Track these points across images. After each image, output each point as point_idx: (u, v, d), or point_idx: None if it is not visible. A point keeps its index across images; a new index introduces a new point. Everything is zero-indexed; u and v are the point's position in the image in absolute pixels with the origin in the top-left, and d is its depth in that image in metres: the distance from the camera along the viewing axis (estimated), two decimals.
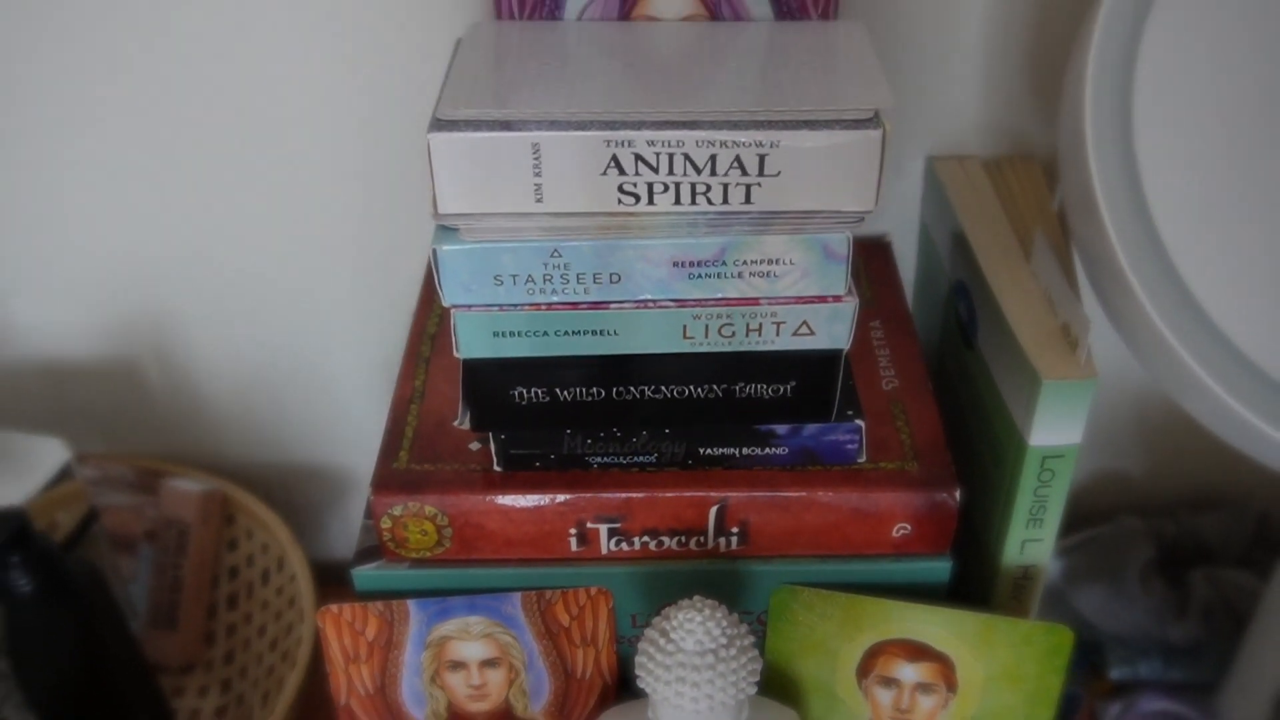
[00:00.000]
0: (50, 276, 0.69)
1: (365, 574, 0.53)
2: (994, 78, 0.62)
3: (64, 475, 0.63)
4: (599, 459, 0.51)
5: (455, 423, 0.50)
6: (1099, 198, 0.45)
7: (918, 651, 0.52)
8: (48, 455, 0.62)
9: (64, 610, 0.56)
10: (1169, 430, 0.73)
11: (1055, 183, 0.59)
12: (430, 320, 0.60)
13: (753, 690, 0.48)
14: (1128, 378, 0.70)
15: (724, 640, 0.46)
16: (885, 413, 0.54)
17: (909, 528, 0.51)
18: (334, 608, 0.53)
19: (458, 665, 0.54)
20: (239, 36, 0.61)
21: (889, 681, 0.53)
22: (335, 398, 0.73)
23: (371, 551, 0.54)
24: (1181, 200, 0.45)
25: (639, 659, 0.48)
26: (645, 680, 0.47)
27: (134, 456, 0.73)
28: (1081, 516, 0.69)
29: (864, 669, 0.53)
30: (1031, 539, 0.53)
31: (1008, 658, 0.51)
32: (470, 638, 0.53)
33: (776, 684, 0.54)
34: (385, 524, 0.52)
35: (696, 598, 0.47)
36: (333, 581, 0.64)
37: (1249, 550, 0.69)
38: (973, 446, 0.55)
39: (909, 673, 0.53)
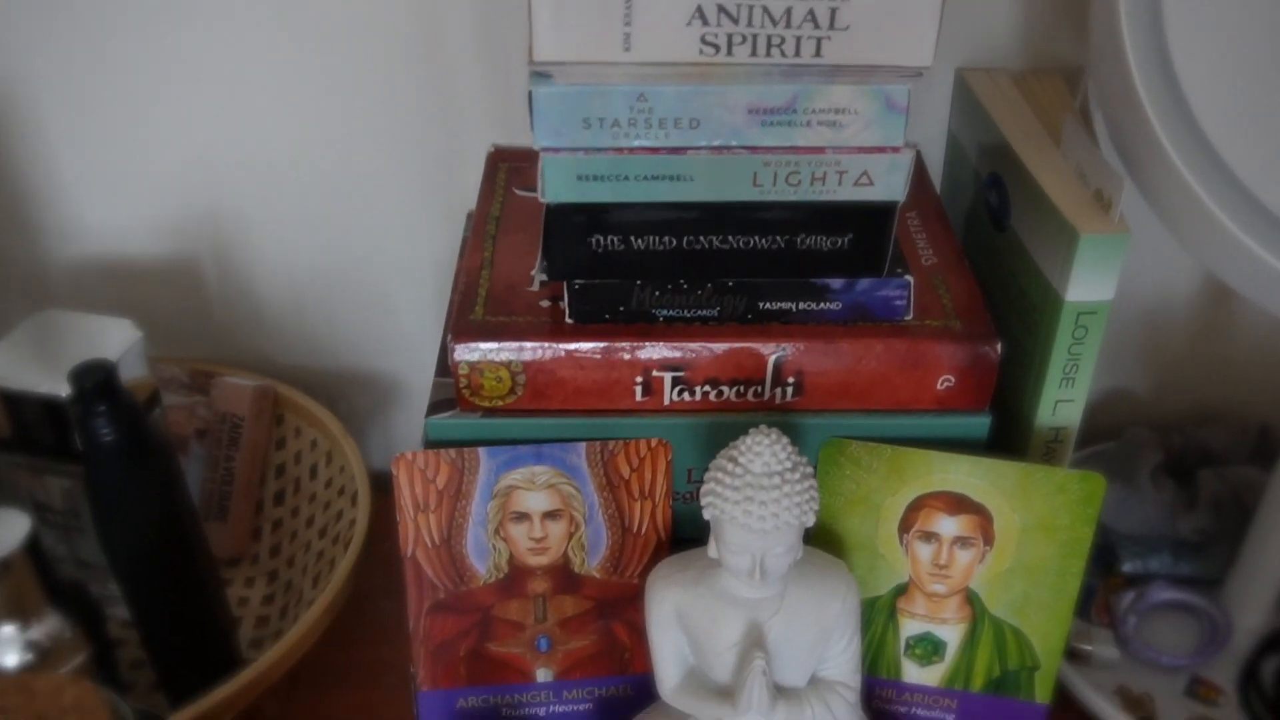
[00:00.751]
0: (118, 175, 0.72)
1: (439, 423, 0.56)
2: None
3: (134, 355, 0.65)
4: (665, 312, 0.55)
5: (531, 272, 0.54)
6: (1125, 40, 0.49)
7: (957, 504, 0.56)
8: (119, 334, 0.65)
9: (146, 466, 0.58)
10: (1173, 350, 0.77)
11: (1077, 92, 0.63)
12: (494, 205, 0.64)
13: (811, 519, 0.51)
14: (1133, 299, 0.74)
15: (789, 464, 0.50)
16: (926, 284, 0.58)
17: (952, 380, 0.55)
18: (408, 454, 0.55)
19: (521, 517, 0.57)
20: None
21: (929, 536, 0.57)
22: (388, 305, 0.76)
23: (445, 404, 0.57)
24: (1208, 59, 0.49)
25: (706, 485, 0.51)
26: (713, 503, 0.50)
27: (188, 359, 0.76)
28: (1092, 433, 0.73)
29: (905, 524, 0.57)
30: (1064, 399, 0.57)
31: (1043, 508, 0.55)
32: (535, 488, 0.56)
33: (821, 542, 0.57)
34: (463, 370, 0.55)
35: (762, 426, 0.50)
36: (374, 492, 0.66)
37: (1251, 459, 0.73)
38: (1004, 321, 0.59)
39: (949, 526, 0.56)
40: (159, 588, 0.62)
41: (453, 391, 0.56)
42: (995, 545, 0.56)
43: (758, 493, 0.49)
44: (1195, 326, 0.77)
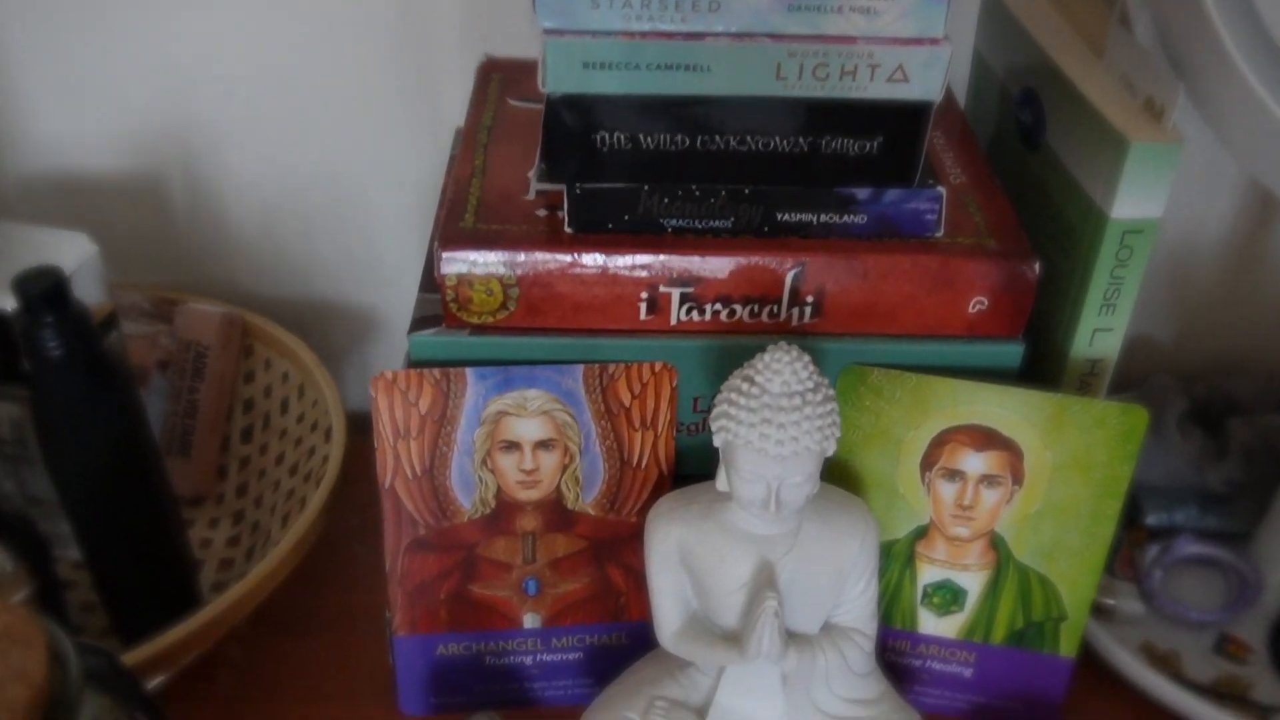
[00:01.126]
0: (76, 82, 0.67)
1: (423, 339, 0.51)
2: None
3: (89, 272, 0.60)
4: (674, 222, 0.50)
5: (529, 175, 0.49)
6: None
7: (985, 439, 0.51)
8: (73, 248, 0.59)
9: (99, 388, 0.53)
10: (1198, 296, 0.73)
11: (1114, 3, 0.59)
12: (485, 115, 0.59)
13: (833, 446, 0.47)
14: (1158, 243, 0.70)
15: (811, 385, 0.45)
16: (957, 201, 0.53)
17: (985, 302, 0.50)
18: (388, 374, 0.51)
19: (511, 446, 0.52)
20: None
21: (953, 474, 0.52)
22: (367, 232, 0.71)
23: (430, 320, 0.52)
24: None
25: (718, 408, 0.46)
26: (726, 426, 0.46)
27: (151, 285, 0.70)
28: (1114, 383, 0.69)
29: (928, 460, 0.52)
30: (1103, 328, 0.52)
31: (1078, 443, 0.51)
32: (527, 414, 0.52)
33: (836, 480, 0.53)
34: (450, 282, 0.50)
35: (782, 342, 0.46)
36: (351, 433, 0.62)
37: (1279, 410, 0.69)
38: (1038, 244, 0.55)
39: (975, 463, 0.52)
40: (112, 524, 0.57)
41: (439, 307, 0.51)
42: (1025, 485, 0.52)
43: (776, 414, 0.45)
44: (1222, 271, 0.73)
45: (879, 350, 0.51)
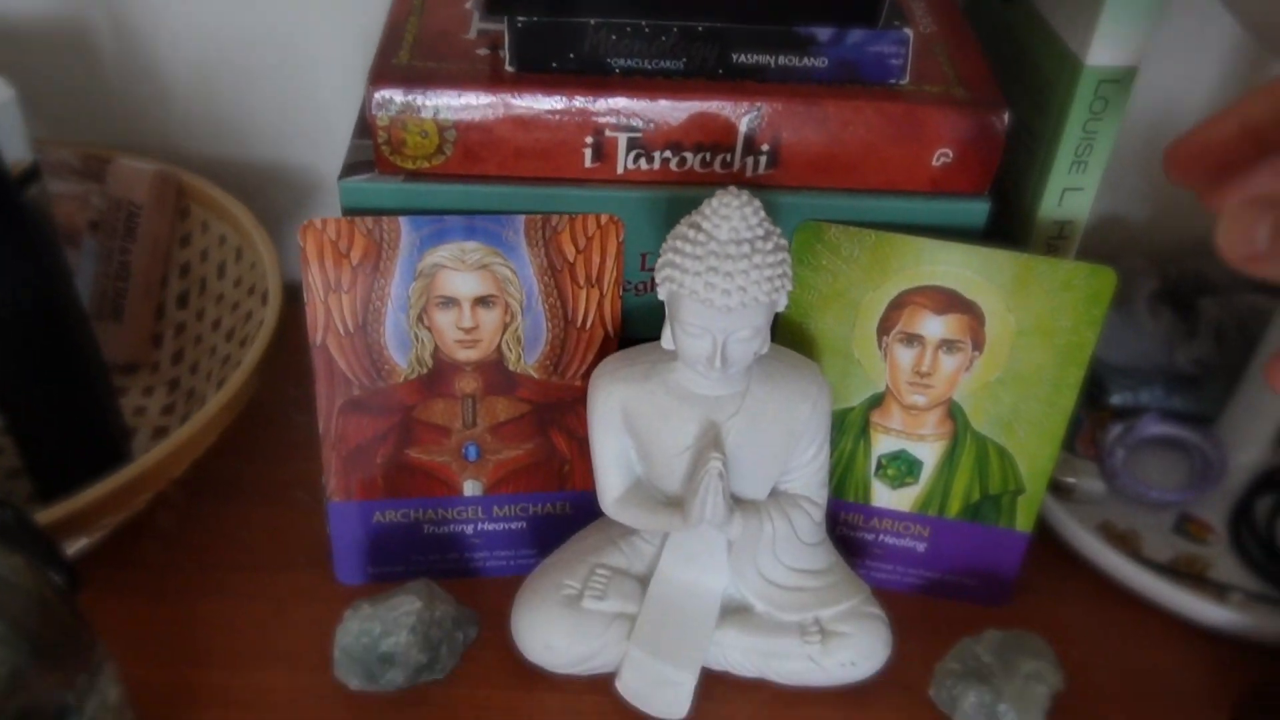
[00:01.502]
0: None
1: (354, 185, 0.48)
2: None
3: (7, 119, 0.57)
4: (622, 62, 0.47)
5: (467, 4, 0.45)
6: None
7: (946, 302, 0.49)
8: None
9: (17, 239, 0.50)
10: None
11: None
12: None
13: (783, 300, 0.44)
14: (1132, 117, 0.67)
15: (760, 232, 0.43)
16: (926, 49, 0.50)
17: (951, 154, 0.48)
18: (318, 222, 0.48)
19: (449, 302, 0.50)
20: None
21: (911, 339, 0.50)
22: (309, 88, 0.68)
23: (362, 166, 0.49)
24: None
25: (664, 256, 0.44)
26: (671, 276, 0.43)
27: (81, 143, 0.66)
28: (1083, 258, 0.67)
29: (886, 324, 0.50)
30: (1073, 187, 0.50)
31: (1043, 307, 0.48)
32: (465, 268, 0.49)
33: (790, 344, 0.51)
34: (382, 123, 0.47)
35: (731, 188, 0.43)
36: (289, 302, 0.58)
37: (1255, 288, 0.67)
38: (1011, 99, 0.52)
39: (934, 327, 0.50)
40: (34, 387, 0.54)
41: (371, 153, 0.48)
42: (985, 351, 0.50)
43: (723, 262, 0.42)
44: None
45: (838, 205, 0.49)
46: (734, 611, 0.51)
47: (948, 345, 0.50)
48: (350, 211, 0.48)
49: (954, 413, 0.51)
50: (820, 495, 0.50)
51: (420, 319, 0.50)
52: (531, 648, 0.50)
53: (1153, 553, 0.58)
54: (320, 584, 0.55)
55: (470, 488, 0.54)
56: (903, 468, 0.53)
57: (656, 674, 0.49)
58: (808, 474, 0.49)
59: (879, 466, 0.53)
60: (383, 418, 0.52)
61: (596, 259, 0.49)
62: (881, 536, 0.55)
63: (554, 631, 0.50)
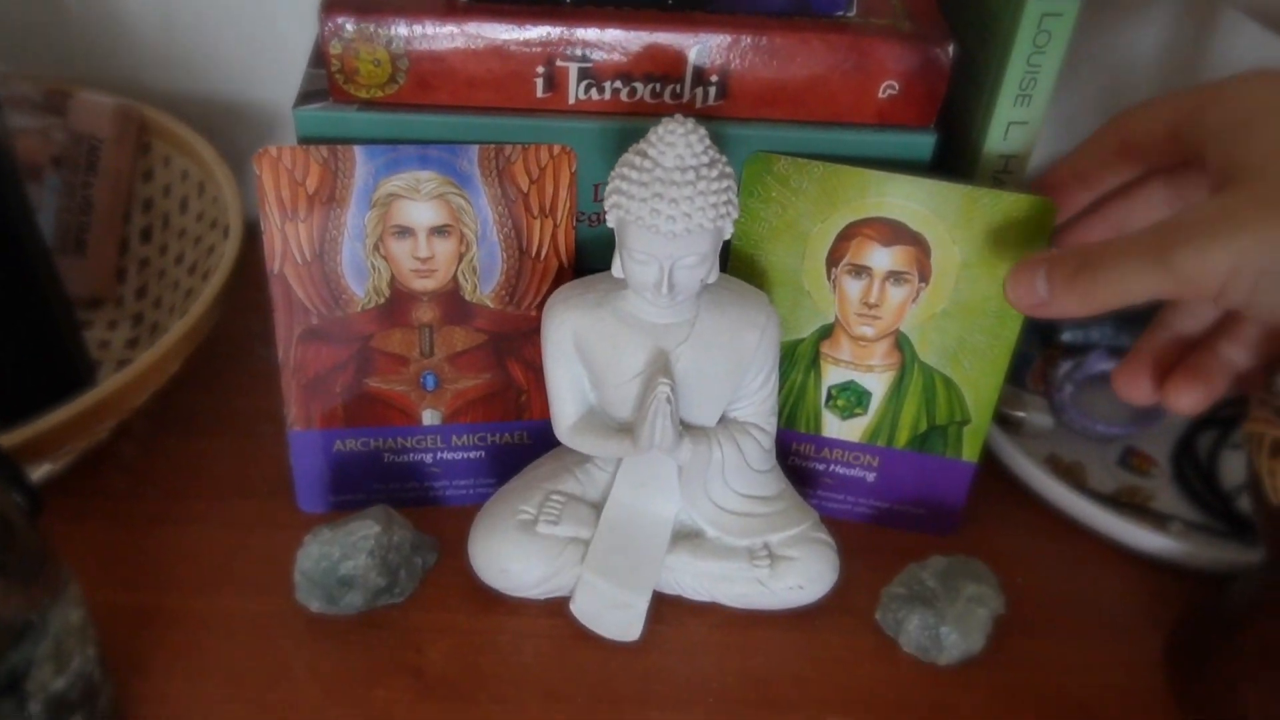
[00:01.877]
0: None
1: (309, 114, 0.49)
2: None
3: None
4: None
5: None
6: None
7: (893, 233, 0.50)
8: None
9: None
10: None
11: None
12: None
13: (729, 228, 0.45)
14: (1092, 64, 0.68)
15: (705, 160, 0.43)
16: None
17: (897, 87, 0.48)
18: (273, 150, 0.48)
19: (405, 232, 0.50)
20: None
21: (859, 270, 0.51)
22: (268, 20, 0.67)
23: (316, 95, 0.49)
24: None
25: (612, 184, 0.45)
26: (618, 203, 0.44)
27: (42, 78, 0.66)
28: None
29: (835, 255, 0.51)
30: (1018, 121, 0.51)
31: (987, 238, 0.49)
32: (420, 197, 0.50)
33: (741, 276, 0.52)
34: (335, 50, 0.47)
35: (678, 115, 0.44)
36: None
37: None
38: (957, 34, 0.52)
39: (882, 258, 0.51)
40: None
41: (325, 82, 0.49)
42: (931, 282, 0.51)
43: (668, 189, 0.43)
44: (1156, 88, 0.71)
45: (786, 138, 0.49)
46: (685, 536, 0.52)
47: (895, 277, 0.51)
48: (306, 141, 0.49)
49: (901, 344, 0.52)
50: (769, 423, 0.51)
51: (376, 248, 0.51)
52: (488, 571, 0.51)
53: (1097, 484, 0.59)
54: (281, 512, 0.56)
55: (429, 417, 0.55)
56: (852, 398, 0.54)
57: (610, 597, 0.51)
58: (756, 401, 0.51)
59: (829, 397, 0.54)
60: (341, 347, 0.52)
61: (550, 189, 0.50)
62: (833, 466, 0.56)
63: (510, 556, 0.51)
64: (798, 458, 0.56)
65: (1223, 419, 0.62)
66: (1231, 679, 0.48)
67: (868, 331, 0.52)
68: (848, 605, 0.53)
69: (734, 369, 0.49)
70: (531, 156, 0.49)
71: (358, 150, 0.48)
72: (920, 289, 0.51)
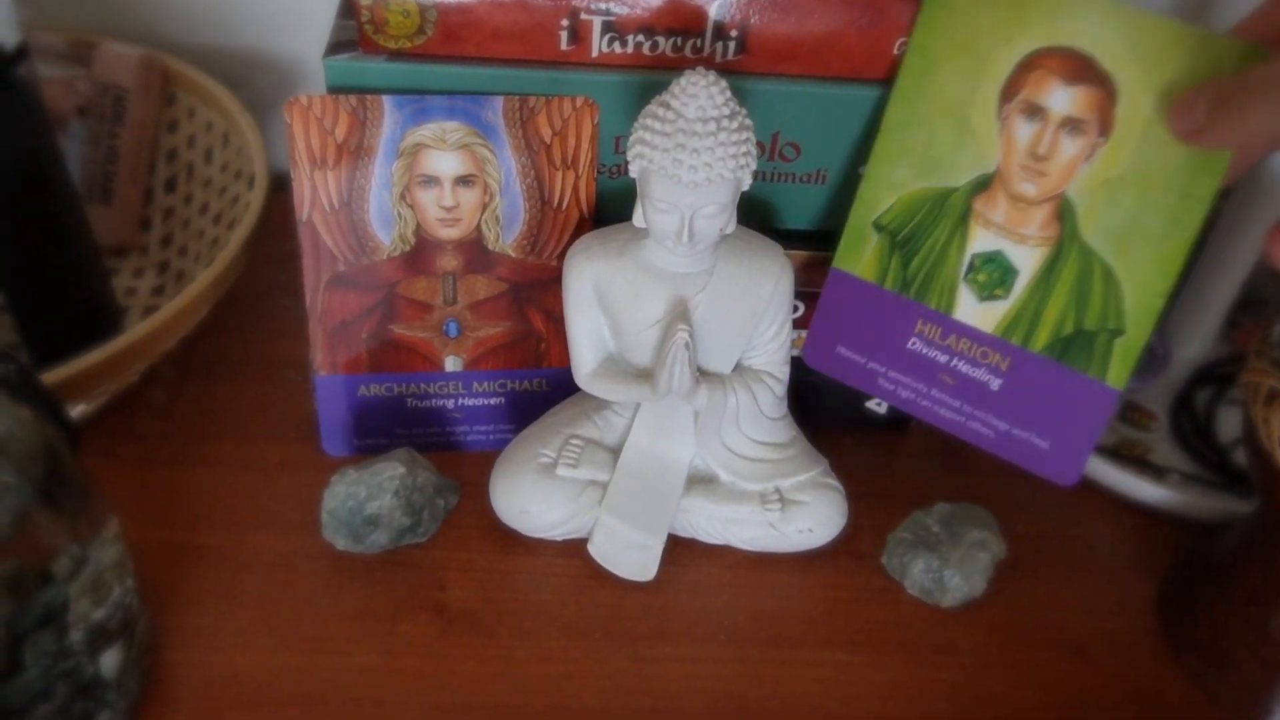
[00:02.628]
0: None
1: (338, 64, 0.50)
2: None
3: None
4: None
5: None
6: None
7: (1079, 70, 0.45)
8: None
9: (8, 110, 0.52)
10: None
11: None
12: None
13: (747, 179, 0.47)
14: None
15: (726, 111, 0.45)
16: None
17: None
18: (303, 99, 0.50)
19: (430, 181, 0.52)
20: None
21: (1035, 111, 0.47)
22: None
23: (346, 45, 0.50)
24: None
25: (634, 134, 0.46)
26: (641, 153, 0.45)
27: (67, 28, 0.67)
28: None
29: (1011, 88, 0.47)
30: None
31: (1184, 89, 0.43)
32: (446, 148, 0.51)
33: (905, 99, 0.49)
34: (365, 1, 0.48)
35: (700, 68, 0.45)
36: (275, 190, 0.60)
37: None
38: None
39: (1061, 99, 0.46)
40: (31, 260, 0.56)
41: (355, 33, 0.50)
42: (1112, 137, 0.46)
43: (690, 139, 0.44)
44: None
45: (804, 92, 0.51)
46: (700, 481, 0.54)
47: (1072, 125, 0.46)
48: (335, 90, 0.50)
49: (1063, 213, 0.47)
50: (782, 371, 0.53)
51: (403, 197, 0.52)
52: (508, 513, 0.53)
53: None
54: (307, 455, 0.58)
55: (451, 363, 0.56)
56: (995, 273, 0.49)
57: (626, 539, 0.52)
58: (770, 350, 0.52)
59: (970, 268, 0.49)
60: (368, 294, 0.54)
61: (572, 141, 0.51)
62: (955, 361, 0.51)
63: (530, 497, 0.52)
64: (920, 340, 0.51)
65: (1220, 376, 0.64)
66: (1221, 620, 0.50)
67: (1029, 190, 0.48)
68: (855, 550, 0.55)
69: (749, 317, 0.50)
70: (555, 108, 0.50)
71: (386, 100, 0.49)
72: (1097, 145, 0.46)
